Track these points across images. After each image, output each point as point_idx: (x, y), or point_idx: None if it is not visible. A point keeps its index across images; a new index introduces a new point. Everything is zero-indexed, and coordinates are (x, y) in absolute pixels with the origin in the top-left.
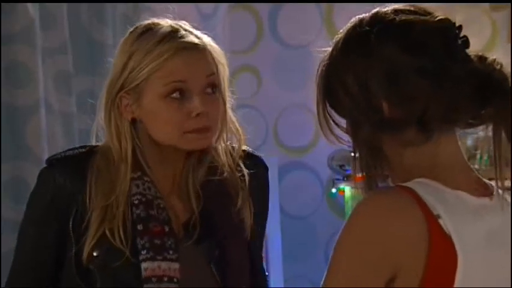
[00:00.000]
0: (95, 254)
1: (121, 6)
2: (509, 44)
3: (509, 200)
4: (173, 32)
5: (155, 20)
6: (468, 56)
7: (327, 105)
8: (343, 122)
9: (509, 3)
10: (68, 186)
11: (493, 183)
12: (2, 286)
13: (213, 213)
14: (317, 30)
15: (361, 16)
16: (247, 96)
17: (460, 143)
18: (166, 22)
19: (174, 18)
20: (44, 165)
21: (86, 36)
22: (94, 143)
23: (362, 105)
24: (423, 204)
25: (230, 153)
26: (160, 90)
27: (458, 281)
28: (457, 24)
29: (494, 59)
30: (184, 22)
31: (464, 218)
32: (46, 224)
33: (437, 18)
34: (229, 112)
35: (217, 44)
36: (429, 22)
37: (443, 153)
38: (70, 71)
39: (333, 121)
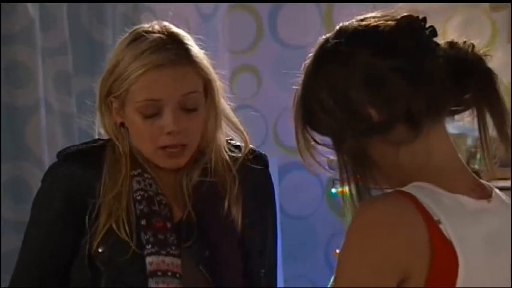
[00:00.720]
0: (100, 250)
1: (121, 6)
2: (509, 44)
3: (508, 202)
4: (158, 45)
5: (152, 26)
6: (438, 45)
7: (308, 129)
8: (324, 141)
9: (509, 3)
10: (86, 180)
11: (490, 184)
12: (2, 286)
13: (204, 213)
14: (317, 31)
15: (325, 36)
16: (247, 96)
17: (451, 138)
18: (159, 29)
19: (174, 18)
20: (44, 167)
21: (86, 36)
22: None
23: (342, 117)
24: (423, 209)
25: (229, 154)
26: (135, 105)
27: (459, 284)
28: (421, 17)
29: (465, 41)
30: (179, 31)
31: (463, 222)
32: (56, 224)
33: (400, 16)
34: (231, 118)
35: (217, 44)
36: (394, 21)
37: (436, 151)
38: (69, 71)
39: (316, 142)
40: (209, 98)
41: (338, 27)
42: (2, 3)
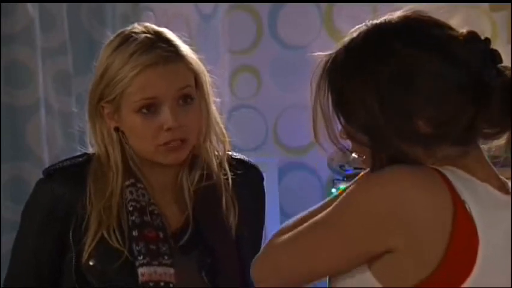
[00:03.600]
0: (91, 263)
1: (121, 6)
2: (509, 45)
3: None
4: (147, 45)
5: (135, 28)
6: (500, 68)
7: (341, 118)
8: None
9: (509, 3)
10: (67, 197)
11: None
12: (1, 286)
13: (204, 220)
14: (317, 31)
15: (366, 28)
16: (247, 96)
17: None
18: (144, 29)
19: (174, 18)
20: (44, 167)
21: (86, 37)
22: (90, 147)
23: (389, 121)
24: (452, 187)
25: (217, 156)
26: (131, 106)
27: (474, 272)
28: (483, 37)
29: None
30: (163, 30)
31: (492, 210)
32: (44, 234)
33: (466, 32)
34: (215, 115)
35: (217, 44)
36: (457, 35)
37: (471, 152)
38: (69, 71)
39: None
40: (199, 91)
41: (381, 22)
42: (2, 3)
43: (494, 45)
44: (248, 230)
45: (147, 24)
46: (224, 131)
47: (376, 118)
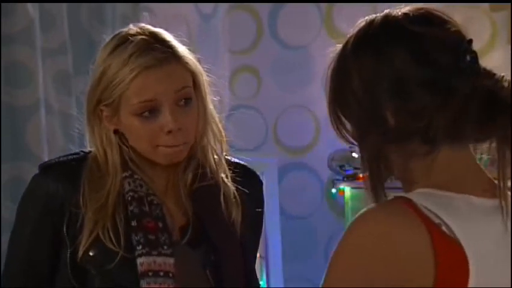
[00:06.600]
0: (91, 253)
1: (120, 6)
2: (509, 45)
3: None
4: (143, 47)
5: (130, 29)
6: (476, 72)
7: (336, 106)
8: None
9: (509, 3)
10: (61, 193)
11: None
12: (1, 287)
13: (208, 218)
14: (317, 31)
15: (372, 17)
16: (247, 96)
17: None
18: (139, 31)
19: (174, 18)
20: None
21: (86, 37)
22: (89, 148)
23: (369, 113)
24: (423, 215)
25: (214, 156)
26: (130, 108)
27: (472, 283)
28: (467, 38)
29: (503, 76)
30: (159, 30)
31: (473, 221)
32: (39, 233)
33: (449, 31)
34: (213, 115)
35: (217, 44)
36: (441, 35)
37: (454, 164)
38: (69, 71)
39: (342, 124)
40: (197, 92)
41: (385, 14)
42: (2, 3)
43: (494, 45)
44: (249, 233)
45: (142, 25)
46: (222, 130)
47: (361, 107)
